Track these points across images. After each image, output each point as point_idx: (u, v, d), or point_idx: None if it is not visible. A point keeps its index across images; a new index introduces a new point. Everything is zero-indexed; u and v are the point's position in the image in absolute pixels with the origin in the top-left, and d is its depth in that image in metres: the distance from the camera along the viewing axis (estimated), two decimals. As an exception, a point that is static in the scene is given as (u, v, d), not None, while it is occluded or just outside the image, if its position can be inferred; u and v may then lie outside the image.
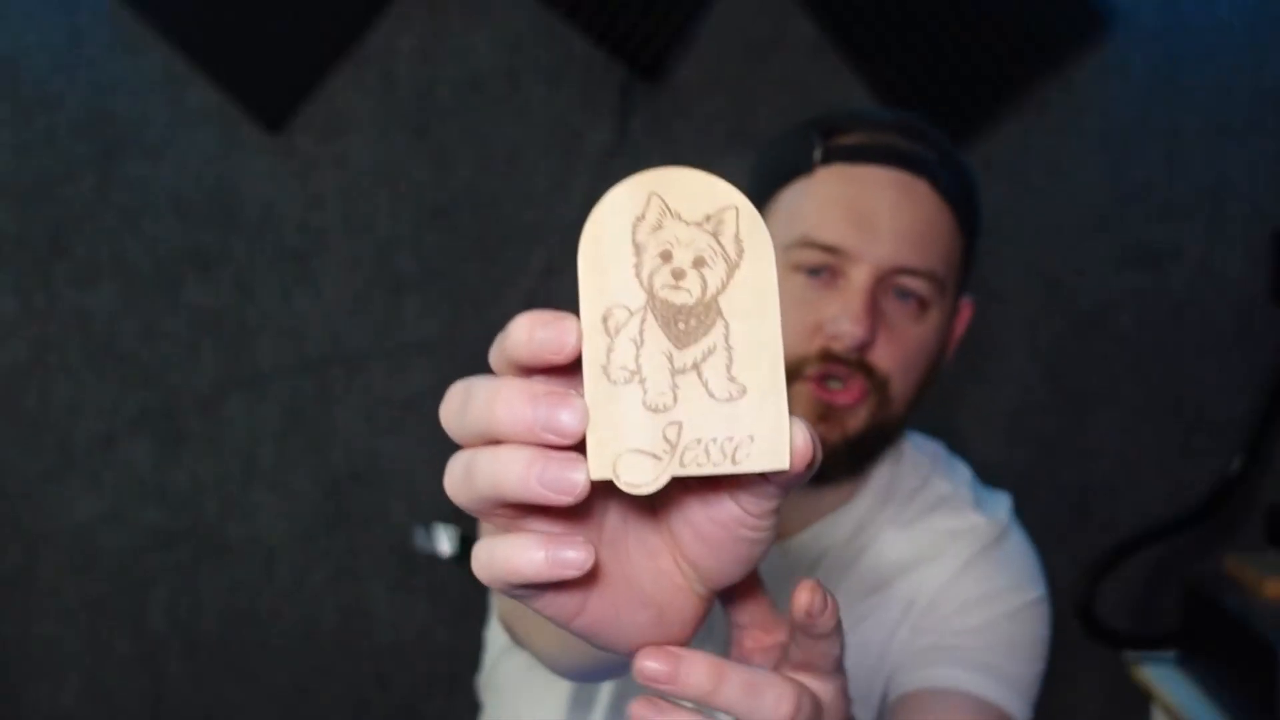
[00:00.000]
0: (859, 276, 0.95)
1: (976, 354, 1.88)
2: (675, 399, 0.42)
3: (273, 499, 1.99)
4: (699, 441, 0.42)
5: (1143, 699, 1.83)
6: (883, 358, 0.96)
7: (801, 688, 0.49)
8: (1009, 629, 1.00)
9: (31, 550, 2.01)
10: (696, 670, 0.47)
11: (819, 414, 0.96)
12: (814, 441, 0.43)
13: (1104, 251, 1.91)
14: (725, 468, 0.42)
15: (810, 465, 0.43)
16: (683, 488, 0.46)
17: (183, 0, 1.89)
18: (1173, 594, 1.90)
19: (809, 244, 0.96)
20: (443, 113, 1.93)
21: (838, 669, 0.53)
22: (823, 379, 0.95)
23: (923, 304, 0.97)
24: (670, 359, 0.42)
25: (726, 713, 0.48)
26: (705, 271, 0.42)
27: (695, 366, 0.42)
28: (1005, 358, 1.92)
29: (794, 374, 0.96)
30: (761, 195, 1.02)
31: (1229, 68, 1.87)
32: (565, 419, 0.41)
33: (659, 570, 0.48)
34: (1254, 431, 1.79)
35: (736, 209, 0.43)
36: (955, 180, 1.00)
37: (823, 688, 0.52)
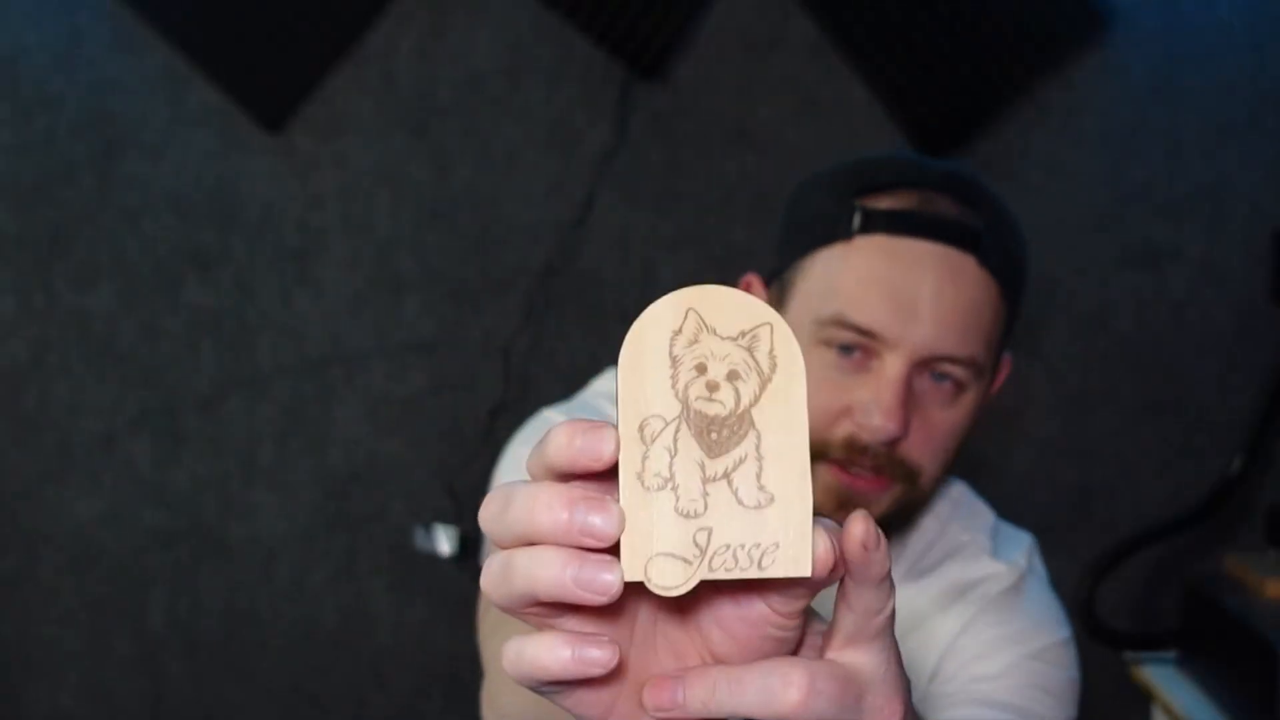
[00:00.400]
0: (894, 365, 0.89)
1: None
2: (706, 506, 0.44)
3: (273, 499, 1.99)
4: (727, 547, 0.44)
5: (1143, 699, 1.83)
6: (914, 449, 0.91)
7: (818, 666, 0.46)
8: (1033, 669, 0.96)
9: (31, 550, 2.01)
10: (693, 685, 0.47)
11: (840, 500, 0.91)
12: (835, 549, 0.45)
13: (1104, 251, 1.91)
14: (751, 573, 0.44)
15: (834, 571, 0.45)
16: (714, 588, 0.47)
17: (183, 0, 1.89)
18: (1173, 594, 1.90)
19: (843, 324, 0.90)
20: (443, 113, 1.93)
21: (886, 634, 0.49)
22: (846, 465, 0.91)
23: (959, 386, 0.93)
24: (702, 467, 0.44)
25: (737, 714, 0.47)
26: (739, 385, 0.45)
27: (726, 475, 0.44)
28: (1005, 358, 1.92)
29: (816, 456, 0.91)
30: (793, 252, 0.96)
31: (1229, 68, 1.87)
32: (601, 523, 0.43)
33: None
34: (1254, 431, 1.79)
35: (771, 326, 0.45)
36: (1002, 248, 0.93)
37: (868, 660, 0.48)
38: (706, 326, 0.45)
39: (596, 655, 0.44)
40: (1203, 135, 1.88)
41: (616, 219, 1.93)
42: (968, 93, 1.85)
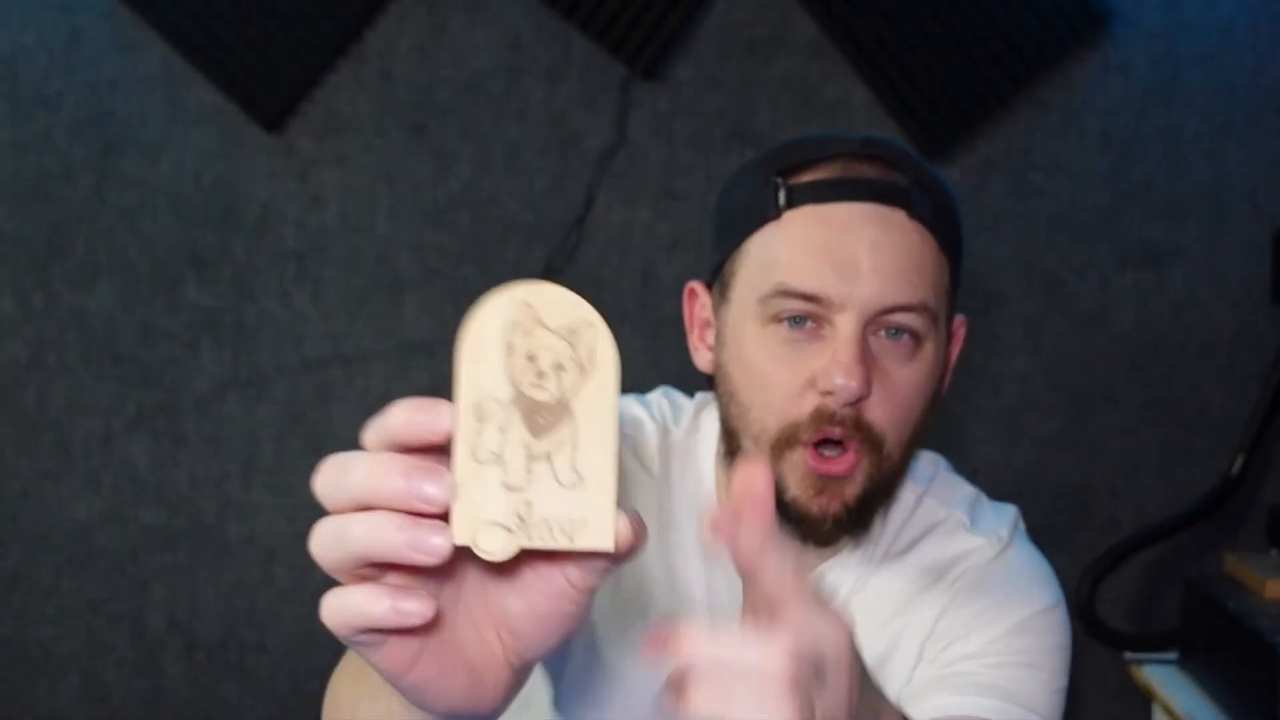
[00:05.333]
0: (846, 324, 0.89)
1: (977, 353, 1.88)
2: (529, 481, 0.49)
3: (272, 499, 1.99)
4: (545, 520, 0.49)
5: (1143, 699, 1.83)
6: (878, 413, 0.90)
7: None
8: (1013, 644, 0.94)
9: (31, 550, 2.01)
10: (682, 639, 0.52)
11: (816, 487, 0.91)
12: (635, 530, 0.50)
13: (1104, 251, 1.91)
14: (563, 544, 0.49)
15: (633, 548, 0.50)
16: (522, 561, 0.52)
17: (182, 0, 1.88)
18: (1173, 594, 1.89)
19: (787, 293, 0.89)
20: (442, 112, 1.93)
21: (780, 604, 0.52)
22: (819, 444, 0.90)
23: (916, 339, 0.91)
24: (528, 447, 0.49)
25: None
26: (562, 375, 0.50)
27: (547, 456, 0.49)
28: (1005, 358, 1.92)
29: (790, 440, 0.90)
30: (727, 246, 0.96)
31: (1229, 68, 1.87)
32: (434, 490, 0.47)
33: (482, 640, 0.55)
34: (1254, 431, 1.79)
35: (593, 325, 0.51)
36: (931, 202, 0.93)
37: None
38: (539, 320, 0.50)
39: (415, 607, 0.48)
40: (1203, 135, 1.88)
41: (616, 219, 1.93)
42: (968, 93, 1.85)
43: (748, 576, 0.52)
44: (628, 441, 1.01)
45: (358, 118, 1.93)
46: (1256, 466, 1.84)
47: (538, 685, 0.97)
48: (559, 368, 0.50)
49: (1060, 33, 1.83)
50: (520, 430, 0.49)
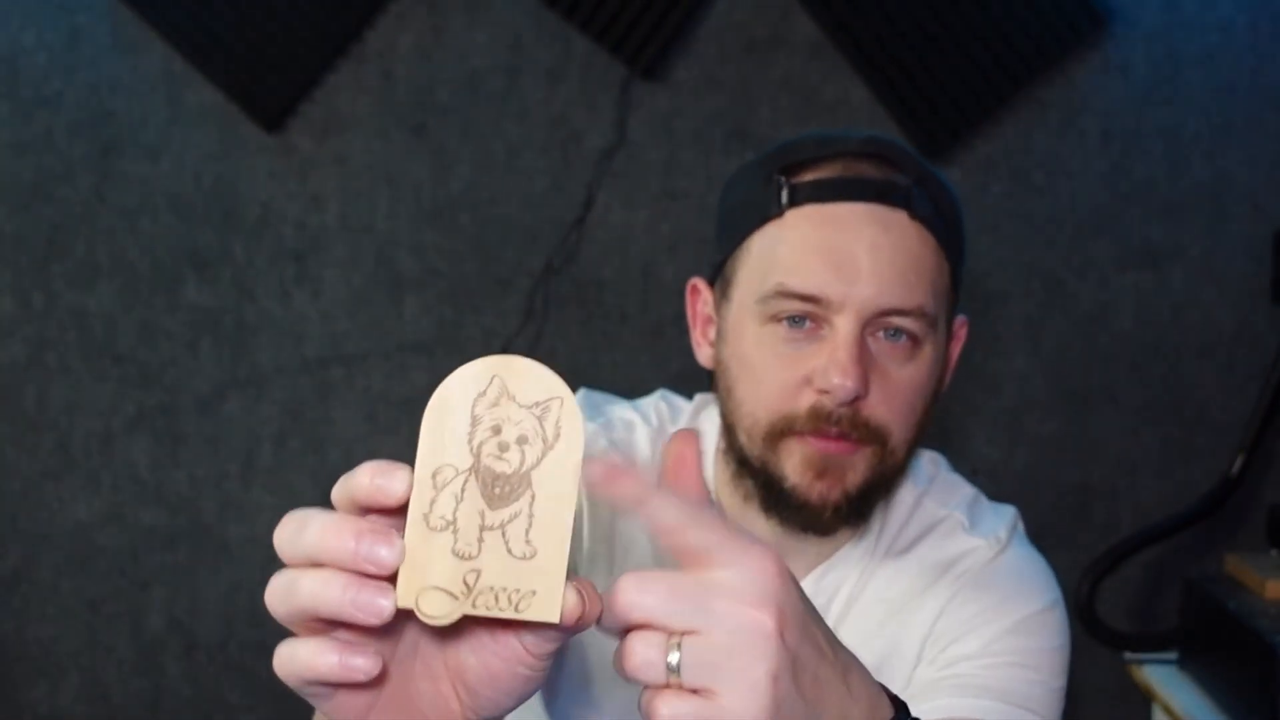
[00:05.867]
0: (844, 325, 0.89)
1: (977, 353, 1.88)
2: (479, 550, 0.51)
3: (272, 499, 1.99)
4: (491, 589, 0.50)
5: (1143, 699, 1.83)
6: (878, 410, 0.91)
7: (648, 572, 0.52)
8: (1011, 645, 0.94)
9: (31, 550, 2.01)
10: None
11: (817, 468, 0.91)
12: (585, 602, 0.51)
13: (1104, 251, 1.91)
14: (509, 614, 0.50)
15: (580, 620, 0.51)
16: (479, 623, 0.54)
17: (183, 0, 1.88)
18: (1173, 594, 1.89)
19: (786, 294, 0.90)
20: (442, 112, 1.93)
21: (729, 549, 0.53)
22: (815, 435, 0.91)
23: (915, 340, 0.92)
24: (482, 516, 0.51)
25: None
26: (526, 448, 0.51)
27: (501, 526, 0.51)
28: (1005, 358, 1.92)
29: (784, 431, 0.91)
30: (729, 243, 0.97)
31: (1229, 68, 1.87)
32: (383, 554, 0.49)
33: (438, 693, 0.56)
34: (1254, 431, 1.79)
35: (562, 400, 0.51)
36: (933, 202, 0.93)
37: (720, 574, 0.52)
38: (508, 393, 0.51)
39: (360, 663, 0.51)
40: (1203, 135, 1.88)
41: (616, 219, 1.93)
42: (968, 93, 1.85)
43: (653, 533, 0.53)
44: (618, 445, 1.02)
45: (358, 118, 1.93)
46: (1256, 466, 1.85)
47: None
48: (523, 440, 0.51)
49: (1060, 33, 1.83)
50: (476, 499, 0.50)
